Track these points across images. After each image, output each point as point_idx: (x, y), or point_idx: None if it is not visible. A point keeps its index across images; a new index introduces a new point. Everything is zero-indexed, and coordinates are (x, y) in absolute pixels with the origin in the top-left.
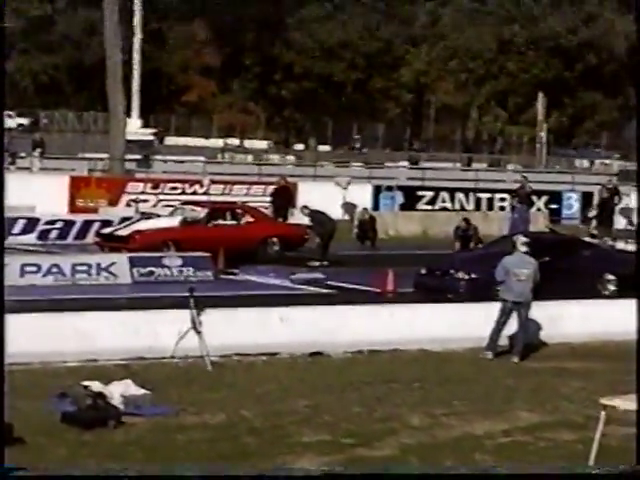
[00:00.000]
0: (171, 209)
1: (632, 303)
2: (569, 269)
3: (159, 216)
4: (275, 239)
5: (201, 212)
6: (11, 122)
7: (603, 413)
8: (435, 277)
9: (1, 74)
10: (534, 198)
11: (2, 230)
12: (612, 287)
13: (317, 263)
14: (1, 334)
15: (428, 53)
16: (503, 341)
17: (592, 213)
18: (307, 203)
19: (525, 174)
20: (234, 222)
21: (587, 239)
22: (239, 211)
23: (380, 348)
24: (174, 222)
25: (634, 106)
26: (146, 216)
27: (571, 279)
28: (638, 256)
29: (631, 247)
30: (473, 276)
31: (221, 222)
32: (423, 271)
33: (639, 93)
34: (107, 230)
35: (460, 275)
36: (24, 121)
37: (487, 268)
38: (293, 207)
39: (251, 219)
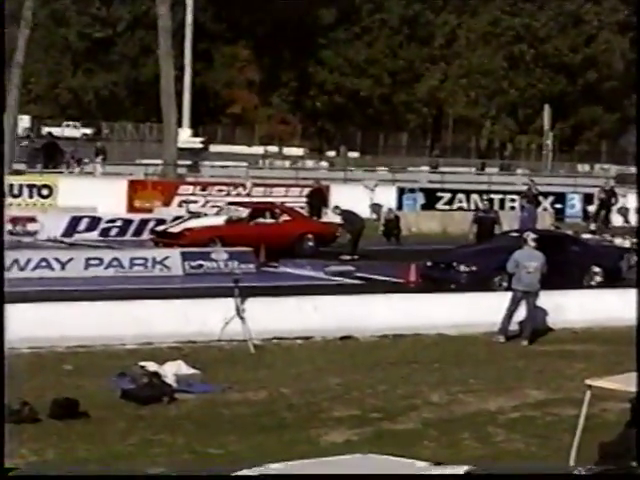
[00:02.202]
0: (217, 209)
1: (628, 292)
2: (559, 262)
3: (206, 215)
4: (310, 236)
5: (243, 212)
6: (77, 132)
7: (588, 393)
8: (439, 269)
9: (1, 74)
10: (541, 199)
11: (1, 227)
12: (598, 278)
13: (348, 257)
14: (1, 330)
15: (444, 71)
16: (513, 326)
17: (592, 209)
18: (339, 204)
19: (532, 178)
20: (273, 220)
21: (586, 235)
22: (277, 211)
23: (403, 332)
24: (220, 220)
25: (631, 118)
26: (195, 215)
27: (561, 271)
28: (639, 252)
29: (627, 243)
30: (473, 268)
31: (261, 220)
32: (429, 264)
33: (639, 96)
34: (161, 228)
35: (461, 268)
36: (88, 131)
37: (486, 261)
38: (326, 207)
39: (288, 218)
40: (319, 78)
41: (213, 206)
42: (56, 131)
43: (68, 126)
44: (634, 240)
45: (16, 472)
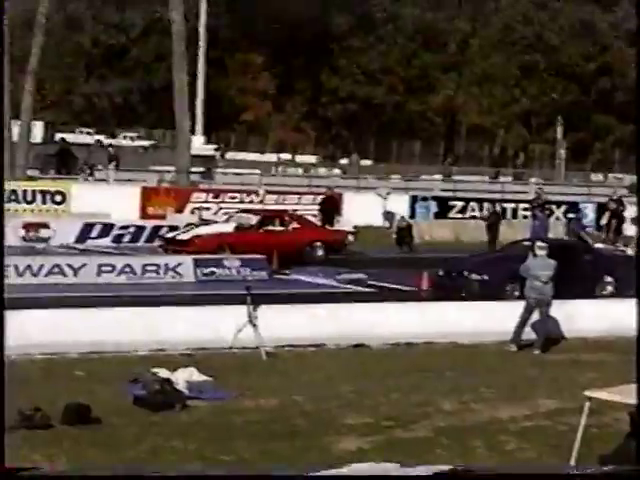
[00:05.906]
0: (227, 216)
1: None
2: (572, 271)
3: (216, 222)
4: (319, 243)
5: (253, 219)
6: (90, 138)
7: (587, 404)
8: (451, 278)
9: (1, 74)
10: (553, 207)
11: (2, 230)
12: (610, 288)
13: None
14: (1, 332)
15: (456, 80)
16: (526, 335)
17: (604, 220)
18: (351, 212)
19: (541, 186)
20: (282, 228)
21: (598, 245)
22: (287, 218)
23: (415, 341)
24: (229, 228)
25: None
26: (205, 222)
27: (574, 281)
28: (638, 260)
29: None
30: (485, 277)
31: (270, 228)
32: (441, 273)
33: (639, 96)
34: (170, 235)
35: (473, 276)
36: (103, 139)
37: (497, 270)
38: (339, 215)
39: (297, 225)
40: (333, 86)
41: (226, 213)
42: (69, 137)
43: (81, 133)
44: None
45: (20, 473)
